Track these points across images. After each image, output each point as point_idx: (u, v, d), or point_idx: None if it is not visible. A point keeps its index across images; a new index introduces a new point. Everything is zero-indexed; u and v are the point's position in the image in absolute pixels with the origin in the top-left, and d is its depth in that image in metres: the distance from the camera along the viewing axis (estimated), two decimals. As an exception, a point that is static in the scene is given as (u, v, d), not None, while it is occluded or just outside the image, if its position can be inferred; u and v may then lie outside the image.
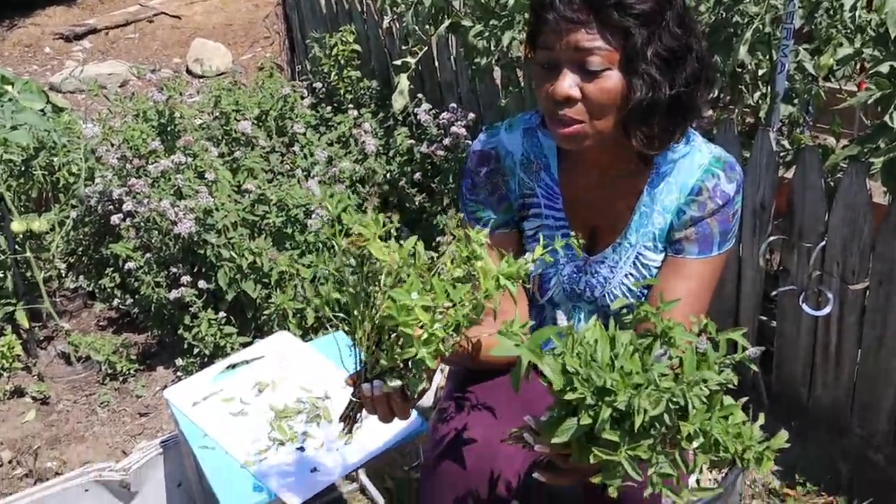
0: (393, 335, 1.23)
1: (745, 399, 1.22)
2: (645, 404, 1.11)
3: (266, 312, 2.86)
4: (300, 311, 2.86)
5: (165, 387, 3.00)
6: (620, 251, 1.61)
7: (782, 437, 1.19)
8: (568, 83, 1.39)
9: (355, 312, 1.25)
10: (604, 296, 1.64)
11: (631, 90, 1.39)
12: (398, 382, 1.27)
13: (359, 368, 1.32)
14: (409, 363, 1.24)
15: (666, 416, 1.12)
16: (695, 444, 1.16)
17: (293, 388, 2.04)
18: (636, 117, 1.42)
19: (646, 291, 1.62)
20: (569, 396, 1.14)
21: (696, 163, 1.54)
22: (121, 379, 3.09)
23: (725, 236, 1.56)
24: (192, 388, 2.08)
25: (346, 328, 1.28)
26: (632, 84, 1.38)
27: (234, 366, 2.16)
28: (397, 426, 1.85)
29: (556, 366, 1.17)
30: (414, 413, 1.87)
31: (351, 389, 1.36)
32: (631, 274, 1.61)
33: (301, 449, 1.85)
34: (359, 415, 1.39)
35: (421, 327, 1.19)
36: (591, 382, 1.14)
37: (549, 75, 1.41)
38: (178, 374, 3.04)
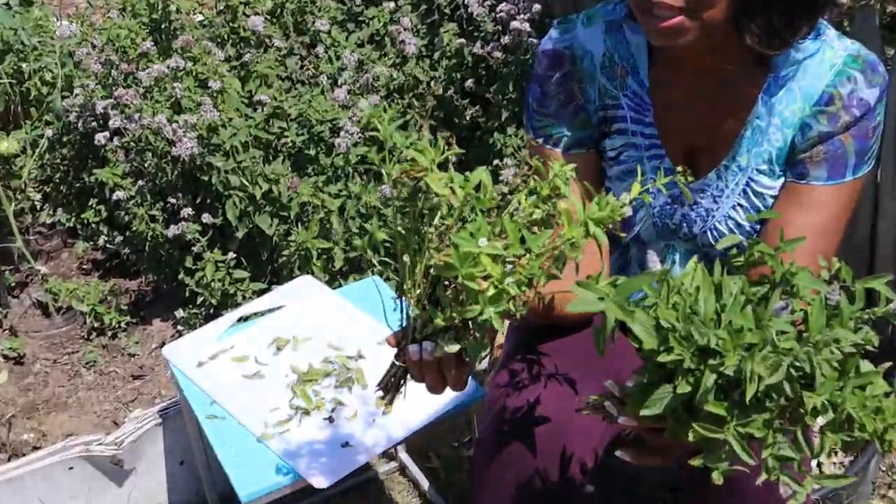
0: (451, 288, 1.21)
1: (888, 365, 1.20)
2: (760, 370, 1.09)
3: (285, 253, 2.88)
4: (326, 251, 2.87)
5: (164, 343, 3.05)
6: (727, 176, 1.59)
7: None
8: None
9: (404, 258, 1.24)
10: (705, 233, 1.63)
11: None
12: (455, 346, 1.25)
13: (404, 325, 1.31)
14: (470, 323, 1.23)
15: (786, 385, 1.10)
16: (821, 420, 1.14)
17: (319, 345, 2.06)
18: (752, 5, 1.38)
19: (759, 227, 1.60)
20: (663, 358, 1.13)
21: (826, 63, 1.50)
22: (109, 334, 3.14)
23: (862, 157, 1.52)
24: (197, 345, 2.10)
25: (392, 276, 1.28)
26: None
27: (246, 318, 2.18)
28: (447, 395, 1.85)
29: (648, 321, 1.16)
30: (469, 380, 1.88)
31: (393, 351, 1.36)
32: (740, 205, 1.60)
33: (329, 420, 1.87)
34: (402, 382, 1.39)
35: (486, 279, 1.18)
36: (692, 341, 1.12)
37: None
38: (179, 328, 3.08)
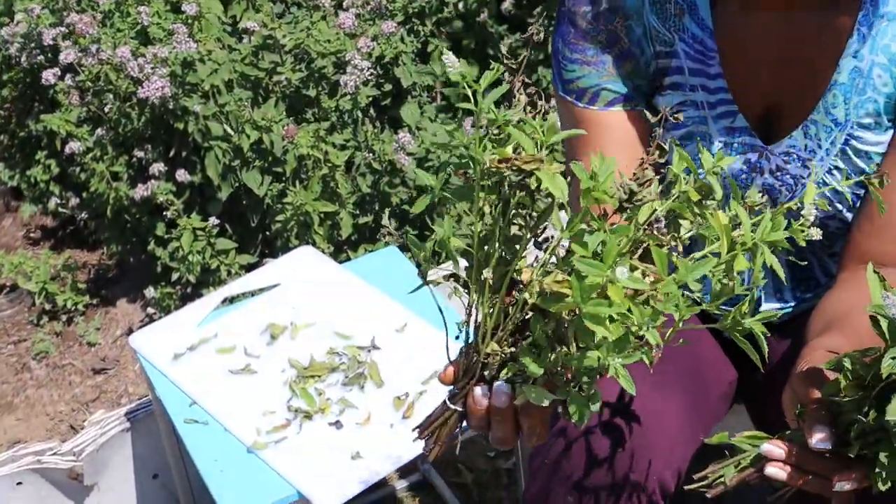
0: (552, 321, 1.13)
1: None
2: None
3: (279, 219, 2.89)
4: (331, 215, 2.88)
5: (131, 330, 3.07)
6: (819, 133, 1.57)
7: None
8: None
9: (484, 274, 1.15)
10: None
11: None
12: (546, 398, 1.15)
13: (466, 356, 1.22)
14: (579, 372, 1.13)
15: None
16: None
17: (323, 333, 2.07)
18: None
19: (863, 194, 1.59)
20: None
21: None
22: (64, 318, 3.17)
23: None
24: (172, 332, 2.12)
25: (415, 249, 1.22)
26: None
27: (233, 299, 2.19)
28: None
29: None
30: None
31: (446, 387, 1.26)
32: (837, 168, 1.58)
33: (336, 425, 1.88)
34: (456, 430, 1.28)
35: (613, 319, 1.07)
36: None
37: None
38: (150, 310, 3.11)
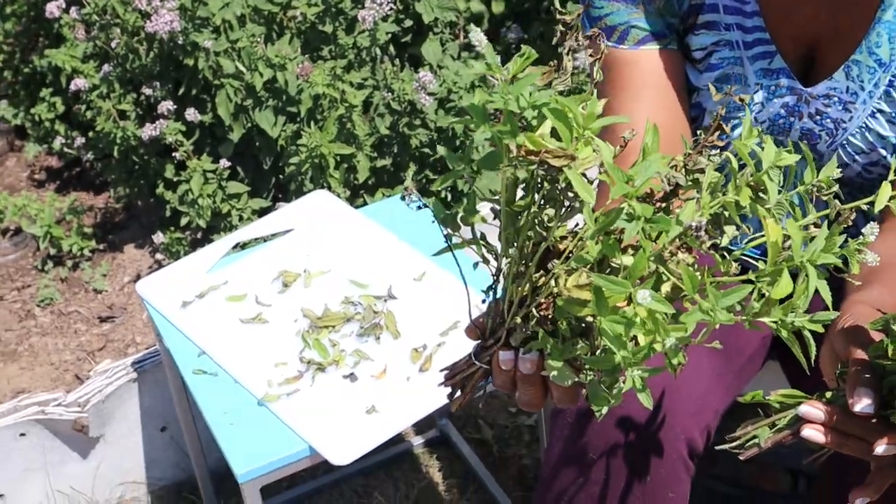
0: (576, 322, 1.13)
1: None
2: None
3: (293, 161, 2.88)
4: (347, 158, 2.88)
5: (139, 276, 3.08)
6: (862, 74, 1.56)
7: None
8: None
9: (511, 250, 1.15)
10: (835, 151, 1.61)
11: None
12: (569, 378, 1.15)
13: (493, 315, 1.22)
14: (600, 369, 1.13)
15: None
16: None
17: (338, 281, 2.07)
18: None
19: None
20: None
21: None
22: (70, 264, 3.18)
23: None
24: (181, 279, 2.12)
25: (432, 192, 1.21)
26: None
27: (244, 245, 2.19)
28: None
29: None
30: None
31: (472, 342, 1.27)
32: (881, 111, 1.58)
33: (351, 378, 1.88)
34: (482, 386, 1.30)
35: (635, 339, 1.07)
36: None
37: None
38: (159, 256, 3.12)
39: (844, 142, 1.60)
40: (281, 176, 2.97)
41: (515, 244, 1.14)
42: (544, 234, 1.12)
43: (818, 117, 1.61)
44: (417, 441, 2.56)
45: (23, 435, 2.32)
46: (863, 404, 1.17)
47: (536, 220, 1.13)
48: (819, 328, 1.09)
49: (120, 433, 2.42)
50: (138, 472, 2.50)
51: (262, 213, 2.83)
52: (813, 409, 1.23)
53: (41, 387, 2.81)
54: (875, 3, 1.52)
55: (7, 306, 3.10)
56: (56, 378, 2.86)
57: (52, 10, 3.05)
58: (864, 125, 1.59)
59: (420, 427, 2.57)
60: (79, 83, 3.02)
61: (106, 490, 2.49)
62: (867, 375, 1.18)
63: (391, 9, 2.88)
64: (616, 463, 1.55)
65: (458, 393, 1.30)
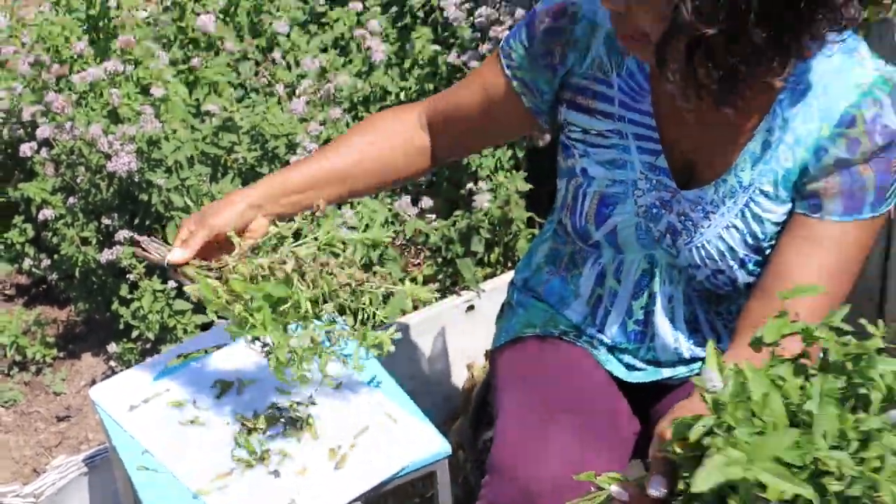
0: None
1: None
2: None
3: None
4: (279, 281, 2.88)
5: (94, 382, 3.04)
6: (725, 191, 1.61)
7: None
8: None
9: None
10: (690, 250, 1.65)
11: (677, 14, 1.36)
12: None
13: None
14: None
15: None
16: None
17: (267, 389, 2.06)
18: (695, 51, 1.40)
19: (755, 256, 1.62)
20: (790, 494, 1.09)
21: (852, 81, 1.52)
22: (33, 370, 3.14)
23: (883, 193, 1.54)
24: (130, 385, 2.10)
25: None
26: (677, 7, 1.36)
27: (187, 356, 2.18)
28: (409, 451, 1.87)
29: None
30: (433, 431, 1.89)
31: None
32: (735, 227, 1.61)
33: (275, 473, 1.87)
34: None
35: None
36: (806, 466, 1.08)
37: None
38: (112, 363, 3.08)
39: (700, 244, 1.64)
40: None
41: None
42: None
43: (683, 217, 1.65)
44: (335, 529, 2.53)
45: (-17, 522, 2.28)
46: (652, 485, 1.20)
47: None
48: None
49: (71, 522, 2.38)
50: (87, 557, 2.45)
51: (205, 327, 2.82)
52: (620, 489, 1.27)
53: (2, 479, 2.76)
54: (747, 136, 1.57)
55: (-25, 407, 3.05)
56: (16, 471, 2.81)
57: (24, 150, 3.06)
58: (719, 235, 1.62)
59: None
60: (47, 213, 3.02)
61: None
62: (665, 465, 1.20)
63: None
64: None
65: None
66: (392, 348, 1.69)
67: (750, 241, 1.61)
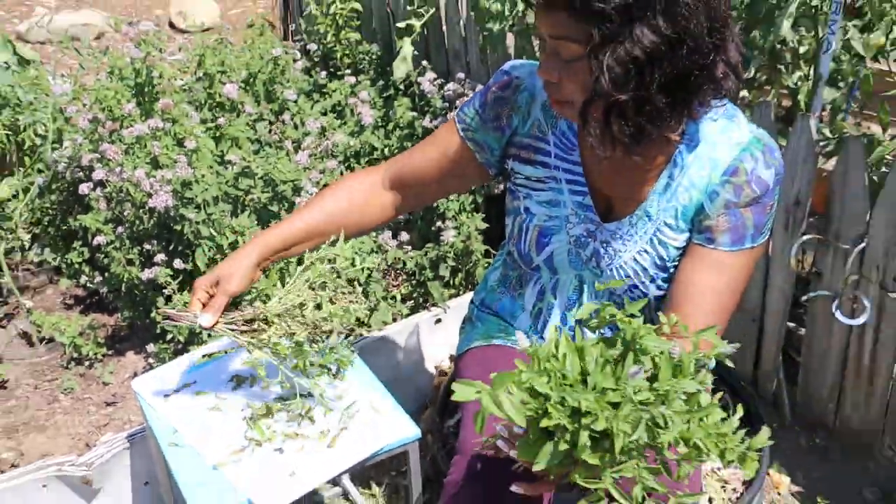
0: None
1: (719, 395, 1.25)
2: (625, 427, 1.13)
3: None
4: (285, 296, 2.88)
5: (135, 374, 3.04)
6: (637, 223, 1.64)
7: (763, 435, 1.22)
8: (545, 66, 1.45)
9: None
10: (611, 270, 1.67)
11: (597, 84, 1.39)
12: None
13: None
14: None
15: (645, 434, 1.15)
16: (677, 449, 1.19)
17: (275, 384, 2.06)
18: (611, 112, 1.43)
19: (662, 274, 1.65)
20: (544, 424, 1.16)
21: (734, 139, 1.55)
22: (86, 364, 3.12)
23: (760, 230, 1.59)
24: (164, 378, 2.10)
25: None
26: (597, 78, 1.38)
27: (210, 355, 2.18)
28: (388, 433, 1.88)
29: (517, 398, 1.19)
30: (407, 419, 1.90)
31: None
32: (646, 251, 1.64)
33: (279, 451, 1.88)
34: None
35: None
36: (566, 405, 1.16)
37: (543, 48, 1.47)
38: (150, 360, 3.07)
39: (619, 265, 1.66)
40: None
41: None
42: None
43: (605, 244, 1.67)
44: (326, 493, 2.53)
45: (44, 486, 2.26)
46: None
47: None
48: None
49: (115, 486, 2.36)
50: (127, 514, 2.44)
51: (224, 332, 2.82)
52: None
53: (60, 452, 2.74)
54: (652, 180, 1.60)
55: (40, 393, 3.02)
56: (72, 445, 2.80)
57: (83, 189, 3.05)
58: (633, 258, 1.65)
59: (328, 484, 2.54)
60: (100, 239, 3.01)
61: (103, 527, 2.43)
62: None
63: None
64: None
65: None
66: (355, 360, 1.82)
67: (658, 262, 1.64)
